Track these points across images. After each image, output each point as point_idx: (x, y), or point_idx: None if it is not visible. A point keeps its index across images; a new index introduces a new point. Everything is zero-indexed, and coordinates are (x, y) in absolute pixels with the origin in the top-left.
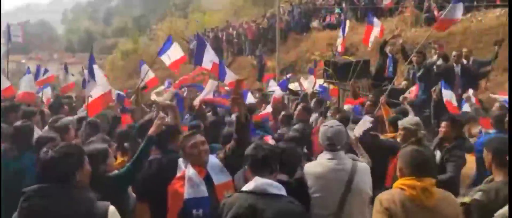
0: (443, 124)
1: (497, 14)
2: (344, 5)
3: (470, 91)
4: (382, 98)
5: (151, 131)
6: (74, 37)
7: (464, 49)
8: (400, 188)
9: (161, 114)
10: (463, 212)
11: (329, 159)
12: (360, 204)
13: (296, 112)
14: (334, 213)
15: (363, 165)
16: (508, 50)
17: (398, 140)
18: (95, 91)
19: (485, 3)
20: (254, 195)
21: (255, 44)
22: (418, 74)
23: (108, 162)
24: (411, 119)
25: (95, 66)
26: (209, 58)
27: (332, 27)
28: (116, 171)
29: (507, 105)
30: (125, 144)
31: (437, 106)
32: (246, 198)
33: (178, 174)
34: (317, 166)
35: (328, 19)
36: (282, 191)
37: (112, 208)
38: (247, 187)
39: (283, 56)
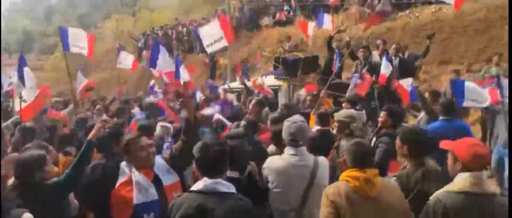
0: (382, 113)
1: (433, 10)
2: (293, 2)
3: (410, 80)
4: (322, 92)
5: (91, 134)
6: (11, 37)
7: (400, 44)
8: (345, 180)
9: (104, 116)
10: None
11: (291, 154)
12: (320, 198)
13: (250, 107)
14: (296, 208)
15: (323, 159)
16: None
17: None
18: (28, 95)
19: (422, 1)
20: (203, 195)
21: None
22: (364, 69)
23: (46, 169)
24: (345, 111)
25: (26, 69)
26: (164, 63)
27: (282, 24)
28: (55, 178)
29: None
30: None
31: (380, 98)
32: (195, 198)
33: (123, 179)
34: (279, 161)
35: (277, 16)
36: (232, 189)
37: (27, 215)
38: (196, 186)
39: (235, 53)
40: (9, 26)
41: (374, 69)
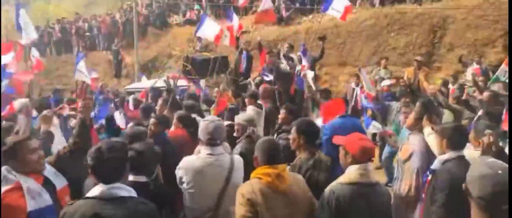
0: (281, 111)
1: (331, 17)
2: (203, 1)
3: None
4: (217, 93)
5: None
6: None
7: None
8: (257, 177)
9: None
10: None
11: (208, 154)
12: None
13: (158, 107)
14: (212, 209)
15: (239, 159)
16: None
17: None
18: None
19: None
20: (100, 201)
21: (110, 39)
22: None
23: None
24: (244, 115)
25: None
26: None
27: (192, 23)
28: None
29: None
30: None
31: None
32: (91, 205)
33: (9, 186)
34: (196, 161)
35: (188, 15)
36: (132, 193)
37: None
38: (92, 192)
39: (143, 51)
40: None
41: (281, 76)
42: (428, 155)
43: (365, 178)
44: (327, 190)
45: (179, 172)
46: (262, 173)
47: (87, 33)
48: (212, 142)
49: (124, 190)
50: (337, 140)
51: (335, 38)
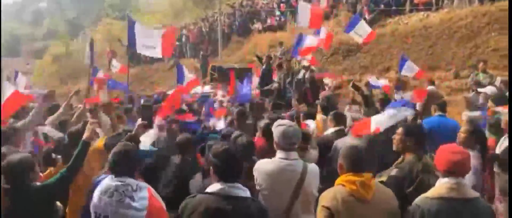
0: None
1: (421, 18)
2: (282, 6)
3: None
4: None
5: (85, 135)
6: None
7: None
8: (340, 184)
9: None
10: None
11: (282, 158)
12: (306, 205)
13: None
14: (282, 212)
15: (313, 167)
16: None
17: None
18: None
19: (410, 8)
20: (220, 197)
21: (196, 47)
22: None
23: (35, 170)
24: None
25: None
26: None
27: (273, 29)
28: (45, 181)
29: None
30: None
31: None
32: (213, 200)
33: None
34: (269, 164)
35: (268, 21)
36: (247, 193)
37: None
38: (212, 188)
39: (226, 58)
40: None
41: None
42: None
43: (457, 192)
44: (414, 203)
45: (254, 173)
46: (346, 180)
47: (177, 42)
48: (291, 146)
49: (242, 190)
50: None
51: (424, 41)
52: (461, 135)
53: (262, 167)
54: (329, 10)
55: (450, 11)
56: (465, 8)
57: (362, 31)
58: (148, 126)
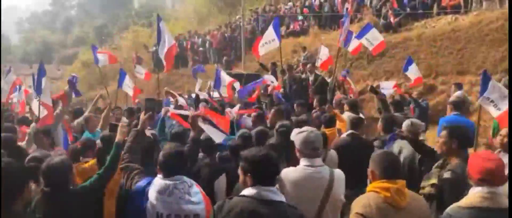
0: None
1: (449, 21)
2: (305, 10)
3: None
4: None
5: (118, 137)
6: (30, 47)
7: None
8: (374, 191)
9: (124, 119)
10: (431, 192)
11: (307, 165)
12: (335, 210)
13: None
14: None
15: (339, 172)
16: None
17: None
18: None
19: (437, 11)
20: (256, 201)
21: (220, 52)
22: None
23: (73, 173)
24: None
25: (44, 79)
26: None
27: (296, 34)
28: (83, 184)
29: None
30: None
31: None
32: (249, 203)
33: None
34: (295, 173)
35: (291, 26)
36: (282, 198)
37: None
38: (249, 192)
39: (249, 64)
40: (29, 37)
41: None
42: None
43: (491, 202)
44: (445, 212)
45: (279, 183)
46: (380, 187)
47: (200, 48)
48: (315, 152)
49: (277, 195)
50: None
51: (453, 44)
52: (502, 139)
53: (288, 176)
54: (353, 14)
55: (480, 13)
56: (495, 10)
57: (373, 38)
58: (152, 117)
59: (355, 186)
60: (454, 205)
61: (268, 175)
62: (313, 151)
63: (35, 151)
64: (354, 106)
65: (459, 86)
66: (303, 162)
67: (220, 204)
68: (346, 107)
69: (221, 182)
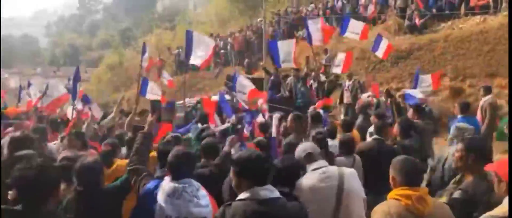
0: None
1: (477, 21)
2: (327, 12)
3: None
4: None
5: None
6: (58, 50)
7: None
8: (395, 198)
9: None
10: None
11: (314, 169)
12: (356, 204)
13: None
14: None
15: (350, 170)
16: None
17: None
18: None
19: (464, 11)
20: (256, 202)
21: (241, 55)
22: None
23: (104, 173)
24: None
25: (78, 84)
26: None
27: None
28: (113, 183)
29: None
30: None
31: None
32: (253, 205)
33: None
34: (307, 179)
35: None
36: (276, 193)
37: None
38: (245, 195)
39: (270, 66)
40: (56, 40)
41: None
42: None
43: None
44: None
45: (297, 193)
46: (401, 194)
47: (222, 50)
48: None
49: (273, 192)
50: (488, 167)
51: (482, 46)
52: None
53: (303, 184)
54: (376, 15)
55: (507, 14)
56: None
57: (356, 28)
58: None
59: (379, 191)
60: (487, 214)
61: (261, 175)
62: (317, 155)
63: (67, 151)
64: (381, 117)
65: (487, 89)
66: (309, 167)
67: (221, 210)
68: (373, 119)
69: None
